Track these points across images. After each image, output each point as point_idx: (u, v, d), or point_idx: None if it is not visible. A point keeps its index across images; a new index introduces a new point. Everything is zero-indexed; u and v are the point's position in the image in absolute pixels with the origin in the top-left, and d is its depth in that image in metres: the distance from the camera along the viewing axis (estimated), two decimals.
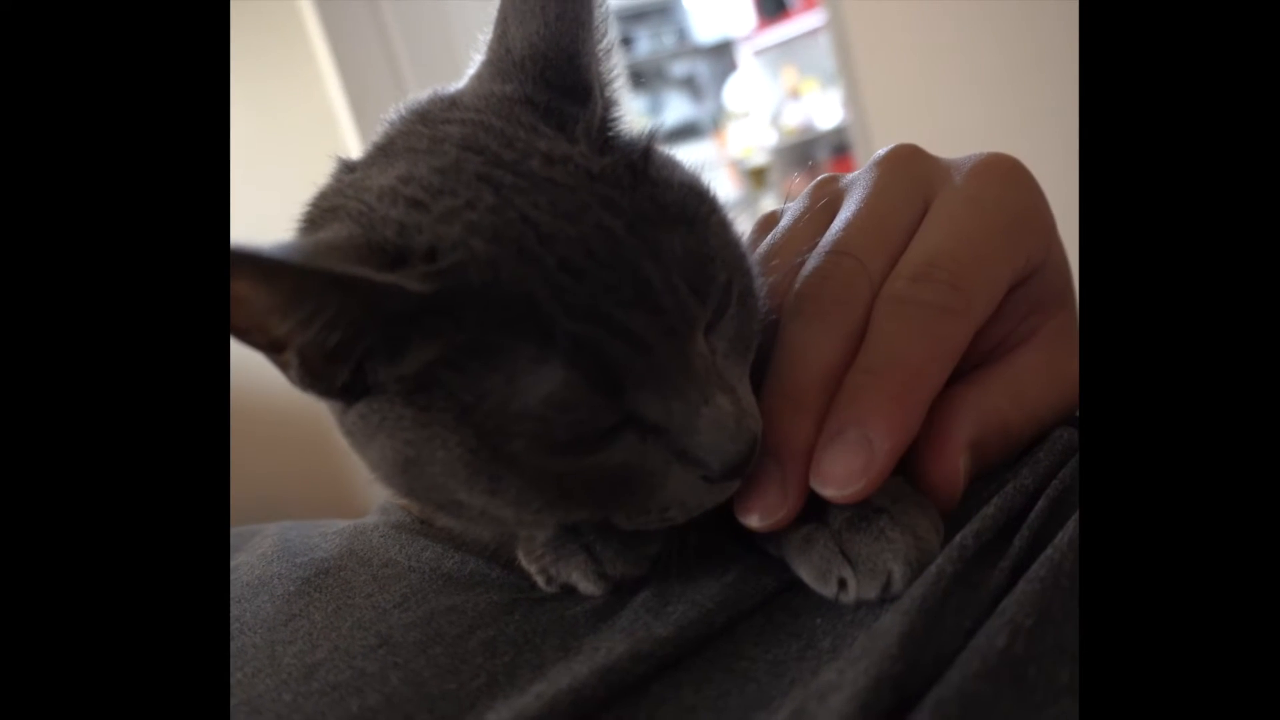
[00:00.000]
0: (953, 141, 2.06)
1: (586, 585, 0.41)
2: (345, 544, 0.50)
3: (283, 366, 0.36)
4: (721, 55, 5.70)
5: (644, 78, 5.85)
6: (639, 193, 0.36)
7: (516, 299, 0.33)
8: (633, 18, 5.83)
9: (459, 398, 0.34)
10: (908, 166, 0.46)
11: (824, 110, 4.35)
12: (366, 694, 0.36)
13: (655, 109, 5.78)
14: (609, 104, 0.39)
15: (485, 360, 0.34)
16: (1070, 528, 0.35)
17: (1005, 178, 0.45)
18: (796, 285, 0.43)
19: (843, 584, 0.37)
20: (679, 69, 5.95)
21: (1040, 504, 0.38)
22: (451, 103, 0.40)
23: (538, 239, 0.34)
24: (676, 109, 5.83)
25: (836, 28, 2.18)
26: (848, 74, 2.22)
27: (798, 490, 0.38)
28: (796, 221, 0.47)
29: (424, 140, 0.38)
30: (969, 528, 0.37)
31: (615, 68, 0.40)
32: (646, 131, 0.39)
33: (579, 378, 0.33)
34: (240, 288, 0.32)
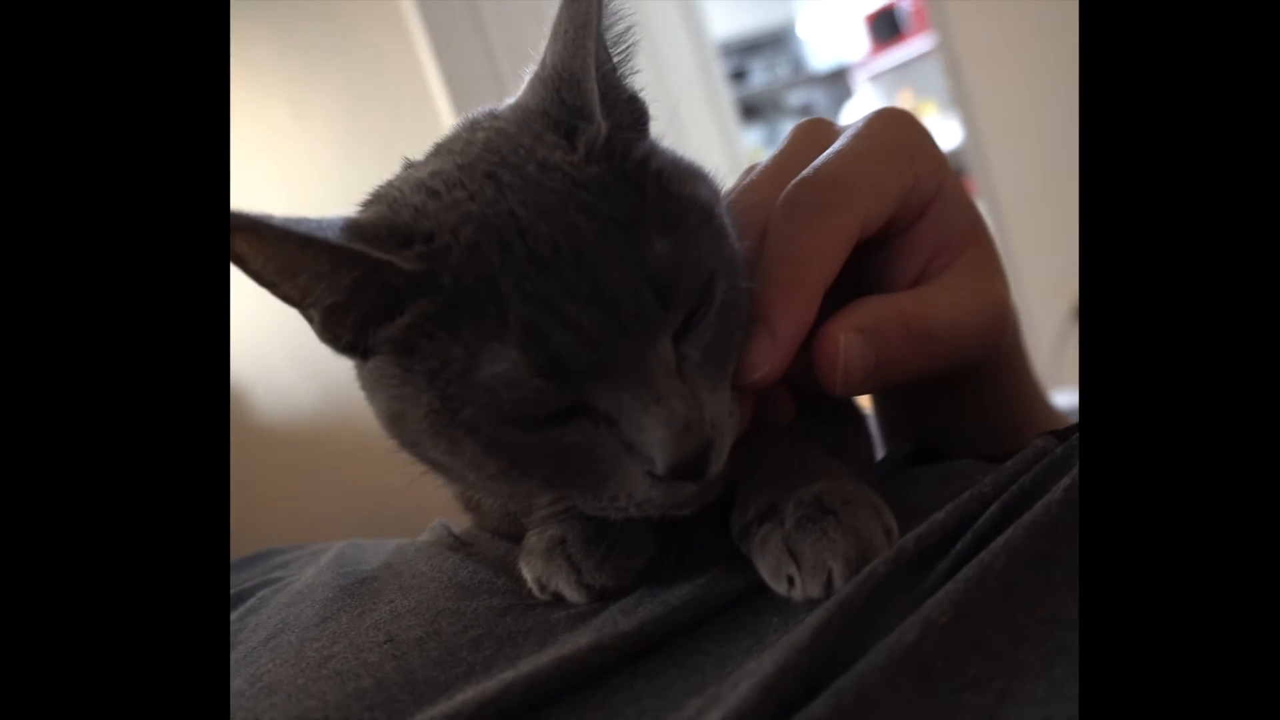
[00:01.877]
0: (1069, 160, 2.00)
1: (571, 593, 0.44)
2: (387, 558, 0.56)
3: (309, 320, 0.42)
4: (837, 82, 5.68)
5: (760, 109, 5.87)
6: (623, 200, 0.39)
7: (484, 282, 0.38)
8: (747, 50, 5.86)
9: (428, 362, 0.39)
10: (815, 129, 0.52)
11: (942, 133, 4.28)
12: (362, 678, 0.41)
13: (772, 139, 5.78)
14: (620, 122, 0.42)
15: (451, 331, 0.38)
16: (1010, 532, 0.35)
17: (889, 117, 0.49)
18: None
19: (791, 581, 0.38)
20: (795, 98, 5.95)
21: (992, 509, 0.38)
22: (493, 113, 0.45)
23: (516, 231, 0.38)
24: None
25: (947, 50, 2.17)
26: (961, 96, 2.19)
27: (746, 397, 0.44)
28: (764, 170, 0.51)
29: (461, 143, 0.43)
30: (913, 531, 0.37)
31: (625, 87, 0.44)
32: (648, 144, 0.43)
33: (526, 361, 0.37)
34: (240, 246, 0.38)
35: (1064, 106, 1.99)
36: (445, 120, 1.94)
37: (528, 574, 0.46)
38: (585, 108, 0.41)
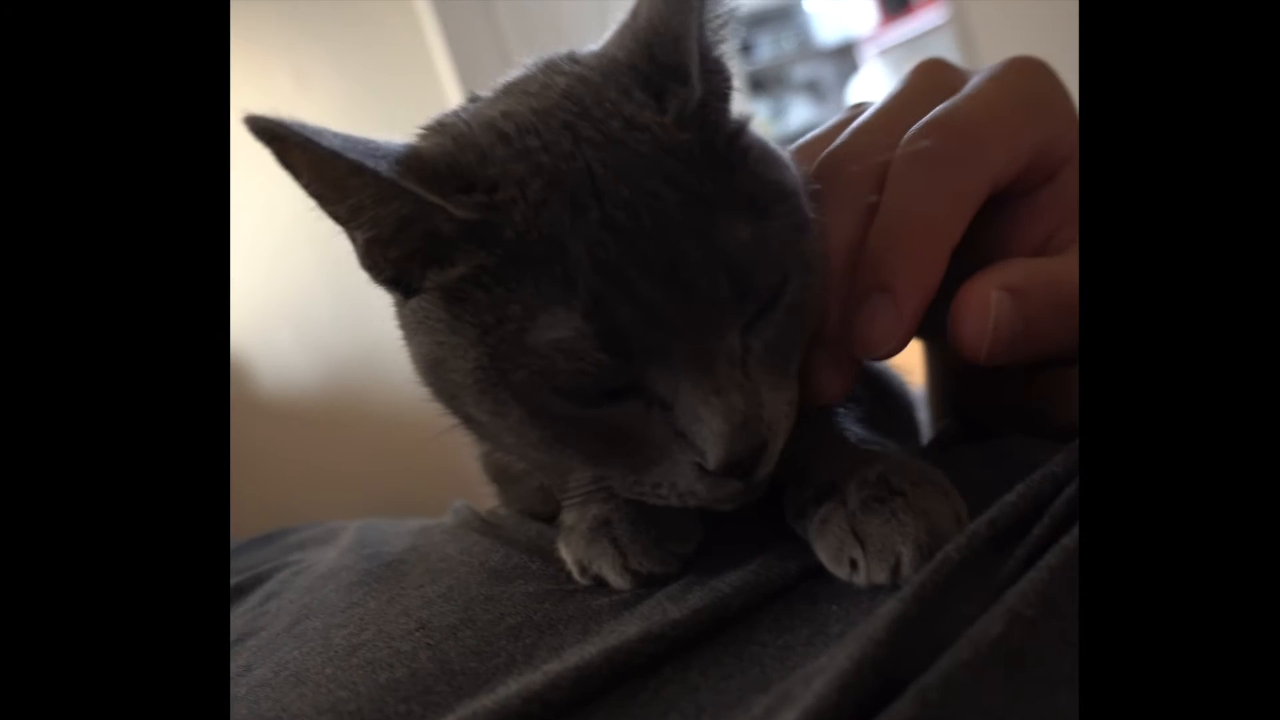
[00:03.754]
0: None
1: (615, 579, 0.42)
2: (411, 541, 0.54)
3: (352, 242, 0.40)
4: (844, 57, 5.63)
5: (765, 83, 5.82)
6: (710, 175, 0.37)
7: (551, 241, 0.35)
8: (753, 23, 5.79)
9: (482, 316, 0.37)
10: (938, 70, 0.47)
11: None
12: (396, 669, 0.39)
13: (778, 114, 5.74)
14: (714, 90, 0.39)
15: (510, 289, 0.36)
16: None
17: (1027, 66, 0.44)
18: (813, 167, 0.43)
19: (854, 565, 0.36)
20: (801, 73, 5.90)
21: (1067, 491, 0.36)
22: (573, 58, 0.42)
23: (593, 192, 0.35)
24: (799, 113, 5.78)
25: (959, 23, 2.14)
26: (973, 69, 2.17)
27: (848, 367, 0.41)
28: (876, 117, 0.46)
29: (537, 85, 0.40)
30: (985, 515, 0.36)
31: (727, 57, 0.41)
32: (738, 120, 0.40)
33: (590, 332, 0.35)
34: (292, 158, 0.36)
35: (1076, 82, 1.97)
36: (448, 85, 1.93)
37: (568, 556, 0.44)
38: (681, 68, 0.38)
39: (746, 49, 5.68)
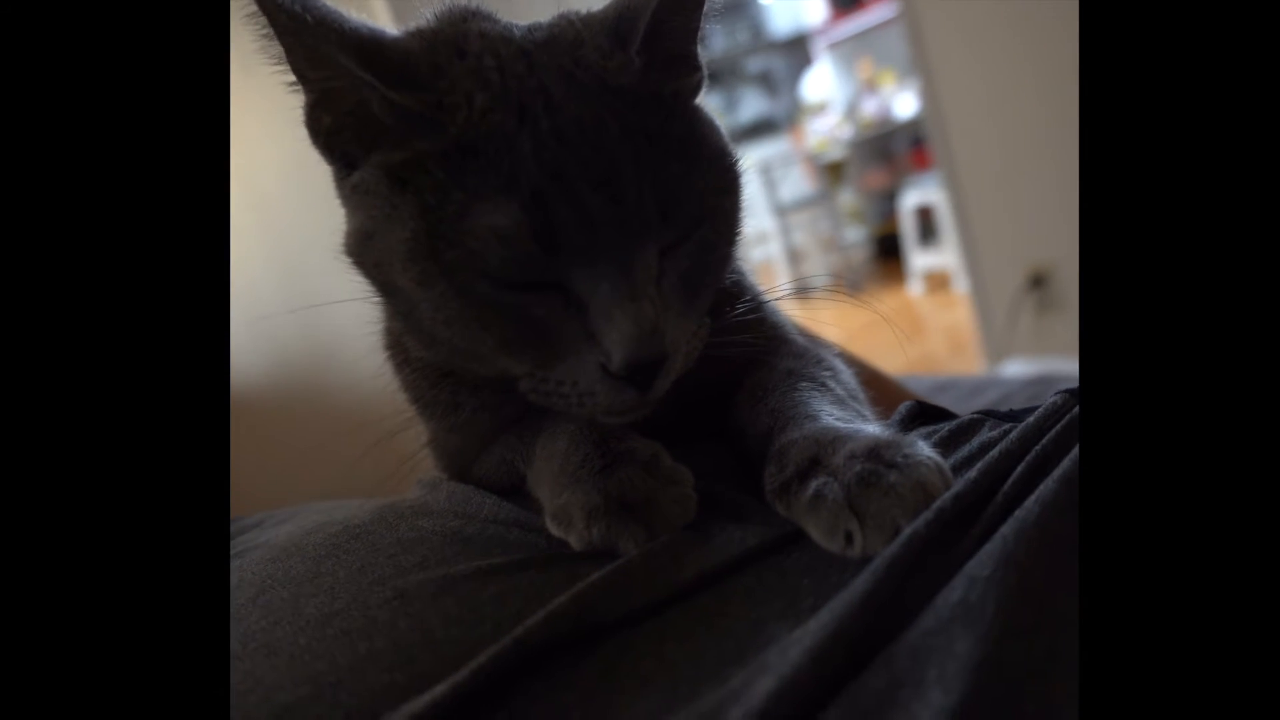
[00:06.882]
0: (1028, 130, 2.01)
1: (629, 547, 0.41)
2: (377, 513, 0.54)
3: (305, 109, 0.45)
4: (796, 50, 5.66)
5: (719, 75, 5.84)
6: (652, 117, 0.43)
7: (500, 139, 0.41)
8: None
9: (424, 197, 0.41)
10: None
11: (901, 101, 4.29)
12: (374, 638, 0.39)
13: (730, 106, 5.76)
14: (663, 52, 0.45)
15: (454, 177, 0.41)
16: (1042, 487, 0.35)
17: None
18: None
19: (849, 538, 0.37)
20: (754, 65, 5.92)
21: (1019, 469, 0.38)
22: (580, 12, 0.48)
23: (545, 106, 0.41)
24: (752, 105, 5.80)
25: (910, 18, 2.16)
26: (923, 64, 2.19)
27: None
28: None
29: (540, 26, 0.47)
30: (949, 490, 0.37)
31: (683, 40, 0.47)
32: (687, 83, 0.47)
33: (527, 223, 0.40)
34: (280, 20, 0.40)
35: (1024, 77, 2.00)
36: None
37: (569, 535, 0.43)
38: (634, 30, 0.44)
39: (701, 39, 5.67)
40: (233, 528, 0.68)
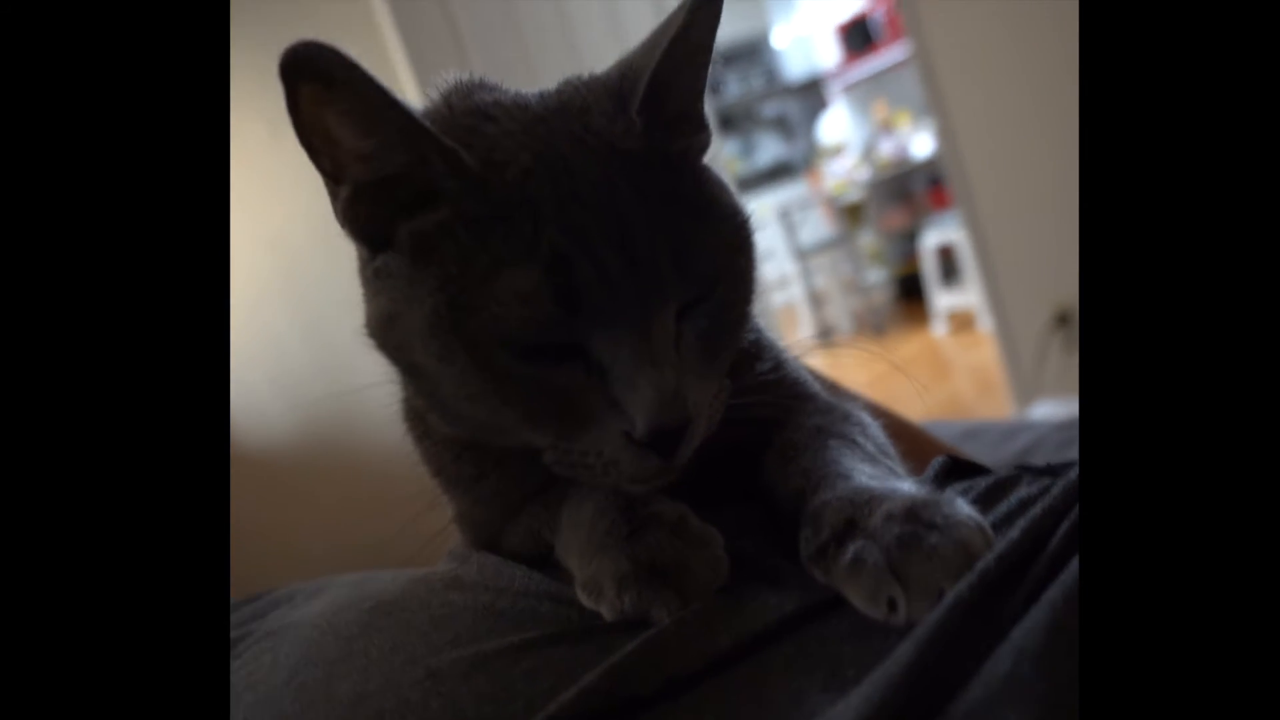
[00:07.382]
0: (1047, 166, 2.00)
1: (662, 615, 0.41)
2: (408, 587, 0.53)
3: (333, 196, 0.45)
4: (811, 93, 5.71)
5: (735, 120, 5.89)
6: (662, 176, 0.44)
7: (528, 202, 0.41)
8: (721, 61, 5.88)
9: (446, 266, 0.42)
10: None
11: (917, 142, 4.31)
12: (407, 719, 0.39)
13: (747, 151, 5.81)
14: (666, 112, 0.45)
15: (481, 240, 0.41)
16: None
17: None
18: None
19: (893, 605, 0.36)
20: (769, 109, 5.98)
21: (1063, 527, 0.37)
22: (584, 77, 0.49)
23: (565, 169, 0.42)
24: (769, 149, 5.85)
25: (922, 58, 2.18)
26: (937, 104, 2.20)
27: None
28: None
29: (550, 92, 0.48)
30: (992, 551, 0.36)
31: (686, 99, 0.47)
32: (689, 139, 0.47)
33: (548, 284, 0.40)
34: (337, 91, 0.40)
35: (1039, 113, 2.00)
36: None
37: (601, 605, 0.42)
38: (634, 94, 0.45)
39: (715, 87, 5.75)
40: (262, 603, 0.68)
